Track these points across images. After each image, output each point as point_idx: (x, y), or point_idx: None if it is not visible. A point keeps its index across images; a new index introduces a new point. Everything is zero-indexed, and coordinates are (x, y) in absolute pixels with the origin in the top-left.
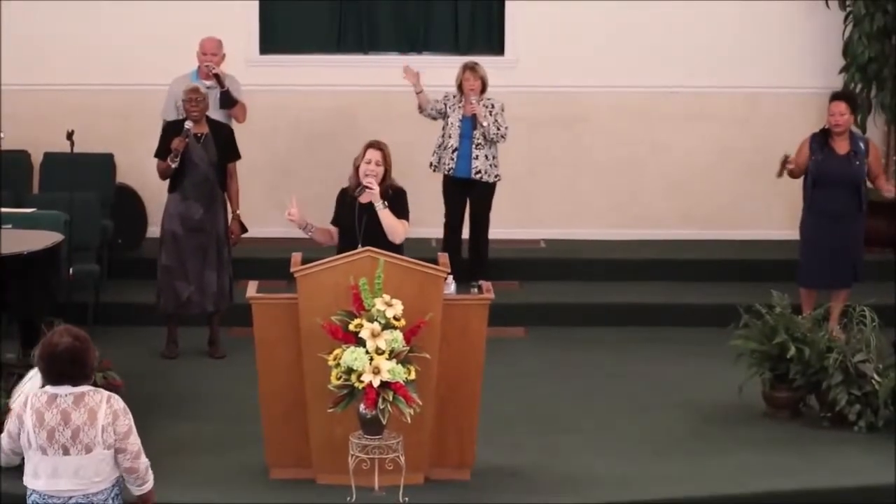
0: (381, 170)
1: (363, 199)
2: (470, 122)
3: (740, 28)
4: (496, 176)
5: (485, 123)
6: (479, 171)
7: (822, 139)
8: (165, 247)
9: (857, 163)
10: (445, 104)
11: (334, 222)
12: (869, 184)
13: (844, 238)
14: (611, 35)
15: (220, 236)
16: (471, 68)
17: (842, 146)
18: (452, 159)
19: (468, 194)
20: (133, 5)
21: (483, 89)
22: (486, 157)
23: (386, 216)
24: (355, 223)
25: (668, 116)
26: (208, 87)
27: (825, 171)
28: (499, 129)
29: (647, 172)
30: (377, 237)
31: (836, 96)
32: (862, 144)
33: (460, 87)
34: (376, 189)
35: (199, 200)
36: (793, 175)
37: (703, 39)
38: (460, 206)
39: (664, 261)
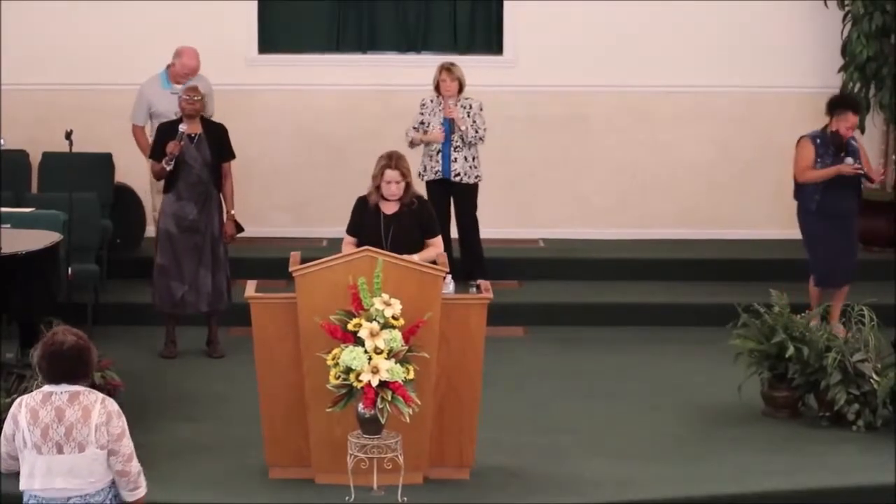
0: (402, 185)
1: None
2: (449, 124)
3: (739, 28)
4: (476, 177)
5: (463, 128)
6: (459, 174)
7: (832, 142)
8: (161, 246)
9: (857, 162)
10: (424, 112)
11: (352, 232)
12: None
13: (851, 235)
14: (610, 35)
15: (215, 236)
16: (447, 69)
17: (843, 148)
18: (438, 161)
19: (450, 195)
20: (132, 5)
21: (460, 89)
22: (465, 158)
23: (419, 259)
24: (381, 234)
25: (667, 116)
26: (176, 93)
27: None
28: (477, 131)
29: (646, 172)
30: (404, 248)
31: (849, 106)
32: (854, 143)
33: (437, 87)
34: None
35: (194, 200)
36: (809, 178)
37: (702, 39)
38: (444, 208)
39: (663, 260)
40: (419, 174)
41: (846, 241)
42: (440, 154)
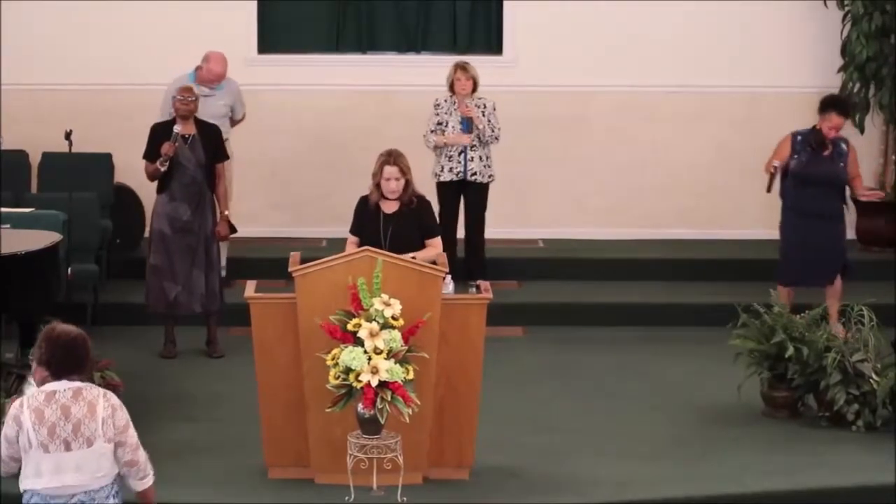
0: (402, 182)
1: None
2: (467, 123)
3: (739, 28)
4: (490, 176)
5: (480, 126)
6: (475, 173)
7: (812, 140)
8: (154, 247)
9: (842, 164)
10: (440, 113)
11: (354, 231)
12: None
13: (829, 238)
14: (610, 35)
15: (209, 237)
16: (462, 67)
17: (825, 147)
18: (460, 162)
19: (462, 195)
20: (132, 5)
21: (474, 88)
22: (481, 157)
23: (419, 259)
24: (380, 234)
25: (668, 116)
26: (206, 95)
27: (812, 172)
28: (493, 130)
29: (646, 172)
30: (403, 247)
31: (834, 107)
32: (843, 145)
33: (451, 86)
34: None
35: (187, 201)
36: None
37: (702, 40)
38: (455, 208)
39: (663, 260)
40: (436, 174)
41: (819, 242)
42: (462, 155)
